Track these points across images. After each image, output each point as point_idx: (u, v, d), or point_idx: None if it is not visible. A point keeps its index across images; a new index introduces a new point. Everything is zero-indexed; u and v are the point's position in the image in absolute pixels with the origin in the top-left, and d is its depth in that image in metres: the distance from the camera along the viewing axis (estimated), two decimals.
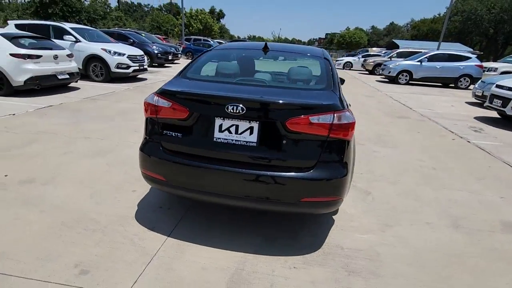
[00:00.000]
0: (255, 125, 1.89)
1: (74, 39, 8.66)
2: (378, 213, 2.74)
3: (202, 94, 1.97)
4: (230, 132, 1.92)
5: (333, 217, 2.63)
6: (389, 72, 14.04)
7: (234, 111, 1.84)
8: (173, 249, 2.09)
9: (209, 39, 23.82)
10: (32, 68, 6.20)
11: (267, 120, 1.88)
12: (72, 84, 7.76)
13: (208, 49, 2.90)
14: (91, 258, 1.95)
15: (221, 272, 1.91)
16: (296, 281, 1.87)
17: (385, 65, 14.83)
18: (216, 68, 2.52)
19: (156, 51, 13.92)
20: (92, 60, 8.71)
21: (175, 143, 2.03)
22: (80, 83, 8.08)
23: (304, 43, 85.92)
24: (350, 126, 1.95)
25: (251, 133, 1.90)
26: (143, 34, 16.16)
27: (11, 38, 6.24)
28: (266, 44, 2.77)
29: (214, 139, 1.94)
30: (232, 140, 1.92)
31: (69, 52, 7.26)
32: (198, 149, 1.99)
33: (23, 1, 14.85)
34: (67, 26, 8.92)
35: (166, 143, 2.06)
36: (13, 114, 5.02)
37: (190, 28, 35.22)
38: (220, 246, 2.15)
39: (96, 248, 2.04)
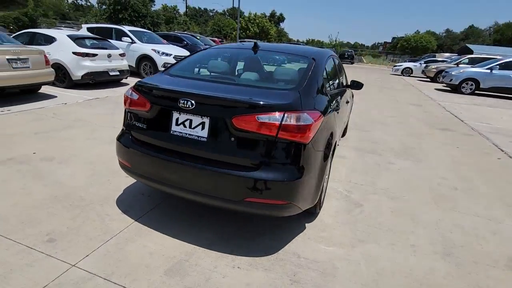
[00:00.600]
0: (206, 121, 1.93)
1: (130, 40, 9.68)
2: (358, 227, 2.52)
3: (160, 88, 2.09)
4: (185, 126, 1.99)
5: (306, 224, 2.51)
6: (451, 80, 12.56)
7: (185, 105, 1.91)
8: (134, 232, 2.23)
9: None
10: (89, 65, 7.13)
11: (216, 116, 1.90)
12: (124, 80, 8.68)
13: (203, 48, 3.03)
14: (62, 229, 2.20)
15: (165, 259, 1.99)
16: (231, 280, 1.86)
17: (446, 72, 13.31)
18: (200, 66, 2.62)
19: None
20: (144, 59, 9.62)
21: (141, 133, 2.18)
22: (131, 80, 8.98)
23: (367, 48, 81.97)
24: (305, 128, 1.86)
25: (202, 128, 1.95)
26: (198, 37, 17.22)
27: (75, 39, 7.26)
28: (255, 43, 2.79)
29: (171, 132, 2.03)
30: (186, 134, 1.99)
31: (121, 52, 8.15)
32: (158, 140, 2.11)
33: (101, 8, 17.37)
34: (126, 29, 10.01)
35: (135, 133, 2.23)
36: (65, 103, 5.85)
37: (247, 31, 36.32)
38: (178, 236, 2.23)
39: (70, 221, 2.29)
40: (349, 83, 4.24)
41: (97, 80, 7.42)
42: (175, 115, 2.01)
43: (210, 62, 2.67)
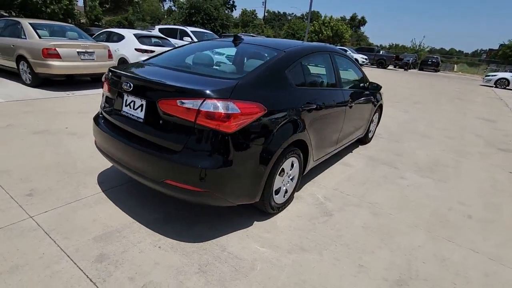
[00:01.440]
0: (144, 103, 2.05)
1: (190, 40, 10.56)
2: (310, 235, 2.31)
3: (115, 72, 2.28)
4: (130, 107, 2.15)
5: (256, 222, 2.42)
6: None
7: (125, 87, 2.07)
8: (94, 201, 2.50)
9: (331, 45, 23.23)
10: None
11: (149, 99, 2.01)
12: None
13: (189, 43, 3.18)
14: (44, 188, 2.60)
15: (102, 227, 2.18)
16: (144, 257, 1.93)
17: None
18: (176, 57, 2.76)
19: None
20: None
21: (105, 112, 2.43)
22: None
23: (466, 55, 72.04)
24: (227, 116, 1.82)
25: (141, 110, 2.07)
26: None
27: (139, 37, 8.29)
28: (235, 36, 2.81)
29: (122, 112, 2.22)
30: (131, 114, 2.15)
31: None
32: (113, 119, 2.32)
33: (179, 11, 19.52)
34: (188, 29, 10.96)
35: (103, 112, 2.49)
36: None
37: (320, 34, 35.53)
38: (127, 211, 2.40)
39: (54, 183, 2.69)
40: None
41: None
42: (125, 96, 2.19)
43: (188, 53, 2.79)
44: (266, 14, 55.57)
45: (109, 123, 2.39)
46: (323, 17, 38.95)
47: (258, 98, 2.03)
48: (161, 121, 1.97)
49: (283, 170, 2.40)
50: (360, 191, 3.12)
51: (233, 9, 50.72)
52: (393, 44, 75.76)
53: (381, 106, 4.74)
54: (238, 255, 2.03)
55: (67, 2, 22.53)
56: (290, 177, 2.57)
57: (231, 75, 2.33)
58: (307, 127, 2.54)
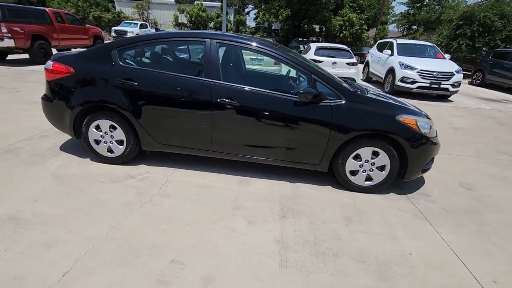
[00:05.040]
0: None
1: (390, 53, 9.42)
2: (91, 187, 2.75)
3: None
4: None
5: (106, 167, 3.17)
6: None
7: None
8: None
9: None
10: None
11: None
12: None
13: None
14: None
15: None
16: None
17: None
18: None
19: None
20: (390, 72, 9.05)
21: None
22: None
23: None
24: (45, 70, 2.99)
25: None
26: None
27: (318, 49, 9.06)
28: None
29: None
30: None
31: (350, 61, 8.70)
32: None
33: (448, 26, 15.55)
34: (395, 42, 9.70)
35: None
36: None
37: None
38: None
39: None
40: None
41: None
42: None
43: None
44: None
45: None
46: None
47: (74, 64, 2.90)
48: None
49: (98, 126, 2.97)
50: (184, 202, 2.61)
51: None
52: None
53: (392, 140, 2.66)
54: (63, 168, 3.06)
55: (358, 27, 26.42)
56: (114, 139, 3.01)
57: None
58: (134, 102, 2.83)
